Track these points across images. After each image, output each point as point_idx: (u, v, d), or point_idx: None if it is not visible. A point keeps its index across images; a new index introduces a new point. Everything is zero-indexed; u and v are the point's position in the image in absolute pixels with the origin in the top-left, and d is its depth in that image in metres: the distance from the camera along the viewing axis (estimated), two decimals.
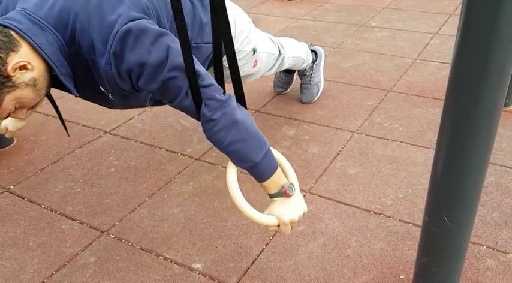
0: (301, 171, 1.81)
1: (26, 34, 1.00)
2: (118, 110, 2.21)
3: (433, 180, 1.05)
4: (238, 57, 1.55)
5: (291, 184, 1.21)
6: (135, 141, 2.06)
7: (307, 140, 2.01)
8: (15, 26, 1.01)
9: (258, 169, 1.16)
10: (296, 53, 2.04)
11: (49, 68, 1.06)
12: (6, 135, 1.49)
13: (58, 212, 1.65)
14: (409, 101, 2.27)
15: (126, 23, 1.03)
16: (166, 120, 2.23)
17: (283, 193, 1.19)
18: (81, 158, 1.95)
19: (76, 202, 1.69)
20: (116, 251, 1.48)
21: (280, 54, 1.90)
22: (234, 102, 1.14)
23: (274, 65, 1.90)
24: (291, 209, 1.19)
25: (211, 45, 1.38)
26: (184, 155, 1.97)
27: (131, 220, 1.61)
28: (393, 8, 3.65)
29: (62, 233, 1.55)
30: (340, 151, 1.92)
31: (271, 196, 1.22)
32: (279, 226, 1.20)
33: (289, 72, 2.34)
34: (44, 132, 2.15)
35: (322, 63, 2.31)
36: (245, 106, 1.20)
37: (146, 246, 1.49)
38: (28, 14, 1.03)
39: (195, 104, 1.11)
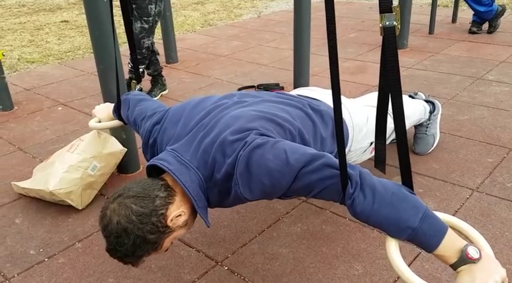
0: None
1: (174, 174, 1.19)
2: None
3: None
4: (357, 152, 1.66)
5: (472, 244, 1.02)
6: None
7: (421, 194, 1.95)
8: (167, 167, 1.20)
9: (420, 235, 1.01)
10: (412, 120, 2.05)
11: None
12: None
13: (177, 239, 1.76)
14: None
15: (247, 146, 1.17)
16: None
17: (465, 258, 0.99)
18: None
19: (193, 231, 1.80)
20: None
21: None
22: (364, 170, 1.13)
23: (391, 134, 1.90)
24: (484, 275, 0.96)
25: (333, 153, 1.48)
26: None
27: (243, 255, 1.66)
28: (511, 63, 3.47)
29: (180, 259, 1.65)
30: (458, 209, 1.83)
31: (454, 267, 1.02)
32: None
33: None
34: None
35: (439, 115, 2.26)
36: (412, 188, 1.10)
37: None
38: (177, 156, 1.24)
39: (342, 184, 1.08)
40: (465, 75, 3.27)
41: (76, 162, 1.97)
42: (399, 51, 3.84)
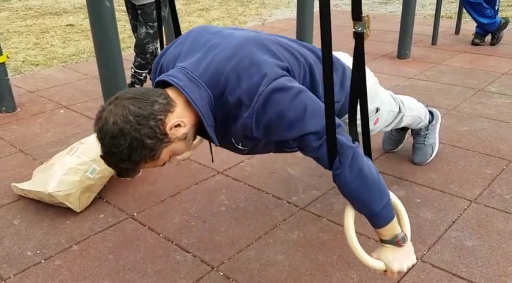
0: (412, 236, 1.72)
1: (184, 90, 1.17)
2: (232, 153, 2.35)
3: None
4: None
5: (405, 235, 1.27)
6: (244, 184, 2.16)
7: (419, 204, 1.95)
8: (177, 83, 1.17)
9: (375, 217, 1.24)
10: (415, 112, 2.03)
11: (197, 121, 1.21)
12: (174, 164, 1.66)
13: (174, 243, 1.77)
14: None
15: (270, 83, 1.16)
16: (273, 166, 2.31)
17: (396, 242, 1.25)
18: (196, 194, 2.09)
19: (190, 236, 1.80)
20: None
21: (400, 111, 1.91)
22: (361, 151, 1.22)
23: (392, 121, 1.91)
24: (400, 259, 1.25)
25: (339, 103, 1.46)
26: (289, 203, 2.01)
27: (239, 261, 1.66)
28: None
29: (176, 263, 1.66)
30: (456, 220, 1.83)
31: (383, 241, 1.28)
32: (385, 271, 1.26)
33: (401, 129, 2.31)
34: (166, 166, 2.33)
35: (439, 125, 2.26)
36: (370, 157, 1.27)
37: None
38: (187, 73, 1.20)
39: (328, 155, 1.19)
40: (467, 86, 3.28)
41: (75, 165, 1.98)
42: (402, 61, 3.88)
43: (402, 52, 3.99)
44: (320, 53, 1.46)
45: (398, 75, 3.54)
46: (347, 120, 1.58)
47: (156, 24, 3.13)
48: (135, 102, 1.10)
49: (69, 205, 1.94)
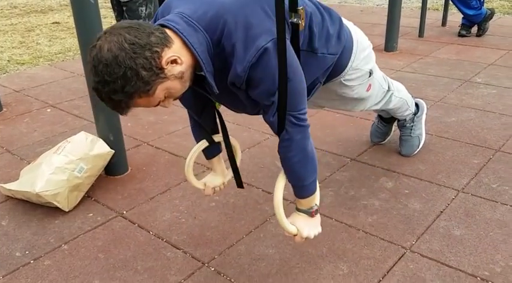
0: (401, 227, 1.76)
1: (182, 33, 1.13)
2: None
3: None
4: (356, 75, 1.64)
5: (318, 208, 1.42)
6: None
7: (407, 194, 1.96)
8: (174, 26, 1.14)
9: (303, 189, 1.36)
10: (402, 95, 2.05)
11: (194, 65, 1.18)
12: (205, 192, 1.65)
13: (164, 240, 1.76)
14: None
15: (270, 41, 1.14)
16: (262, 161, 2.31)
17: (310, 212, 1.40)
18: (186, 191, 2.09)
19: (181, 232, 1.80)
20: None
21: (389, 89, 1.93)
22: (309, 130, 1.30)
23: (382, 99, 1.92)
24: (310, 227, 1.41)
25: (335, 56, 1.48)
26: None
27: (230, 255, 1.66)
28: (500, 65, 3.51)
29: (167, 260, 1.65)
30: (444, 210, 1.85)
31: (299, 210, 1.41)
32: (295, 235, 1.39)
33: (387, 121, 2.32)
34: (155, 163, 2.34)
35: (424, 116, 2.27)
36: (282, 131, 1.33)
37: None
38: (184, 17, 1.16)
39: (278, 122, 1.25)
40: (453, 77, 3.31)
41: (63, 164, 1.96)
42: (389, 54, 3.89)
43: (389, 45, 4.00)
44: (332, 11, 1.49)
45: (386, 68, 3.55)
46: (338, 80, 1.61)
47: (141, 21, 3.11)
48: (131, 31, 1.07)
49: (58, 205, 1.93)
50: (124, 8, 3.14)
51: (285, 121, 1.25)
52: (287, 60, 1.17)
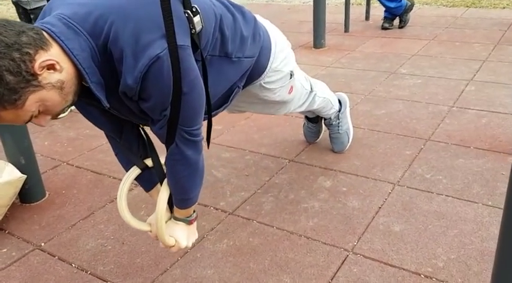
0: (342, 227, 1.71)
1: (58, 37, 0.96)
2: None
3: (502, 250, 0.94)
4: (277, 77, 1.55)
5: (197, 215, 1.38)
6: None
7: (346, 192, 1.92)
8: (49, 29, 0.97)
9: (186, 201, 1.30)
10: (326, 95, 2.01)
11: (79, 75, 1.01)
12: (153, 234, 1.39)
13: (89, 272, 1.58)
14: (450, 151, 2.17)
15: (164, 49, 1.00)
16: None
17: (188, 221, 1.35)
18: (112, 213, 1.90)
19: (107, 262, 1.62)
20: None
21: (312, 90, 1.88)
22: (202, 143, 1.23)
23: (306, 100, 1.87)
24: (189, 236, 1.37)
25: (252, 59, 1.38)
26: (217, 209, 1.89)
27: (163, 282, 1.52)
28: (423, 55, 3.62)
29: None
30: (382, 205, 1.82)
31: (176, 219, 1.34)
32: (171, 246, 1.34)
33: (315, 121, 2.28)
34: (75, 185, 2.13)
35: (348, 109, 2.25)
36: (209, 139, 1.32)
37: None
38: (63, 18, 1.00)
39: (167, 135, 1.15)
40: (380, 70, 3.36)
41: None
42: (318, 50, 3.90)
43: (317, 41, 4.01)
44: (245, 10, 1.37)
45: (316, 65, 3.55)
46: (258, 83, 1.51)
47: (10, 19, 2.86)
48: None
49: None
50: (31, 16, 2.87)
51: (175, 135, 1.15)
52: (183, 71, 1.03)
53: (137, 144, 1.36)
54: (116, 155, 1.40)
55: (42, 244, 1.74)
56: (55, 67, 0.95)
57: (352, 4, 5.32)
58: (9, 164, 1.91)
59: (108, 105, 1.05)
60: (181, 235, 1.34)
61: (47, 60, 0.93)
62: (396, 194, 1.88)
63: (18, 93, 0.90)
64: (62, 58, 0.97)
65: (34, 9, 2.82)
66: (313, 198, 1.91)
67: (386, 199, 1.86)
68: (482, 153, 2.14)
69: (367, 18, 4.90)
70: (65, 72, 0.97)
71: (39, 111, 0.97)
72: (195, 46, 1.11)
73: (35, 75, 0.92)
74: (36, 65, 0.91)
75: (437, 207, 1.78)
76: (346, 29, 4.50)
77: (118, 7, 1.01)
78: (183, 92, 1.06)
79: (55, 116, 1.03)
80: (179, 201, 1.29)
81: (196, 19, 1.09)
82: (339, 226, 1.72)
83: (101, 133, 1.42)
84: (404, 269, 1.49)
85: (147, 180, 1.38)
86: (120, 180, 2.16)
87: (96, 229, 1.80)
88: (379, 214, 1.77)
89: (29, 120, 0.97)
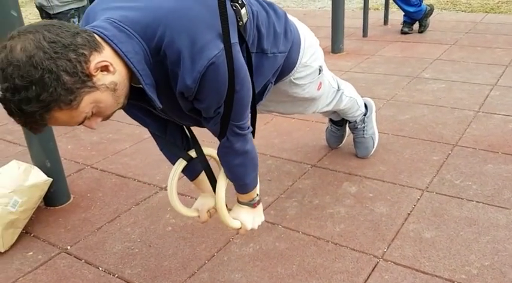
0: (370, 234, 1.68)
1: (111, 40, 0.96)
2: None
3: None
4: (306, 72, 1.56)
5: (260, 198, 1.42)
6: (191, 198, 2.00)
7: (372, 198, 1.89)
8: (101, 32, 0.96)
9: (244, 186, 1.35)
10: (353, 95, 1.99)
11: (130, 77, 1.01)
12: (201, 219, 1.50)
13: (116, 275, 1.57)
14: (479, 157, 2.13)
15: (220, 51, 1.01)
16: None
17: (252, 204, 1.40)
18: (138, 216, 1.90)
19: (134, 265, 1.62)
20: None
21: (339, 89, 1.87)
22: (250, 133, 1.26)
23: (333, 99, 1.86)
24: (254, 219, 1.42)
25: (285, 54, 1.38)
26: None
27: None
28: (445, 60, 3.57)
29: None
30: (411, 211, 1.78)
31: (241, 203, 1.40)
32: (239, 228, 1.41)
33: (340, 124, 2.26)
34: (100, 188, 2.13)
35: (374, 114, 2.22)
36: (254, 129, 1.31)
37: None
38: (114, 22, 0.99)
39: (220, 131, 1.20)
40: (402, 74, 3.32)
41: None
42: (336, 55, 3.88)
43: (336, 46, 3.99)
44: (276, 6, 1.38)
45: (335, 70, 3.52)
46: (288, 79, 1.52)
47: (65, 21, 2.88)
48: (52, 29, 0.88)
49: None
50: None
51: (227, 130, 1.19)
52: (236, 70, 1.06)
53: (181, 137, 1.41)
54: (161, 150, 1.44)
55: (68, 247, 1.74)
56: (109, 69, 0.95)
57: (370, 9, 5.29)
58: (35, 167, 1.92)
59: (160, 106, 1.05)
60: (247, 218, 1.40)
61: (101, 61, 0.93)
62: (425, 200, 1.84)
63: (74, 94, 0.90)
64: (115, 60, 0.97)
65: (57, 13, 2.85)
66: (339, 203, 1.88)
67: (415, 205, 1.82)
68: (510, 158, 2.09)
69: (385, 22, 4.86)
70: (118, 74, 0.97)
71: (92, 112, 0.96)
72: (241, 39, 1.12)
73: (90, 76, 0.92)
74: (92, 65, 0.91)
75: (468, 213, 1.74)
76: (365, 34, 4.47)
77: (169, 9, 1.01)
78: (236, 90, 1.08)
79: (106, 118, 1.03)
80: (238, 187, 1.36)
81: (243, 11, 1.10)
82: (367, 232, 1.69)
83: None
84: (437, 276, 1.45)
85: (191, 170, 1.44)
86: (145, 183, 2.18)
87: (122, 232, 1.80)
88: (409, 220, 1.73)
89: (82, 122, 0.97)
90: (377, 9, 5.71)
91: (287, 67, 1.46)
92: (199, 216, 1.47)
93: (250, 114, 1.24)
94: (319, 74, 1.62)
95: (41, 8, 2.93)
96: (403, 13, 4.38)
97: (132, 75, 1.01)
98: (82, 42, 0.90)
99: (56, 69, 0.86)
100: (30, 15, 6.67)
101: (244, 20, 1.11)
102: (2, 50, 0.87)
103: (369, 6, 4.61)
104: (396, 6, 4.48)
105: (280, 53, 1.35)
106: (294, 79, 1.53)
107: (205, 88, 1.04)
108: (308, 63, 1.54)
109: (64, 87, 0.88)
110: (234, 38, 1.06)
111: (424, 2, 4.33)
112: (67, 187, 2.05)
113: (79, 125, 0.98)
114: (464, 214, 1.74)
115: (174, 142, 1.38)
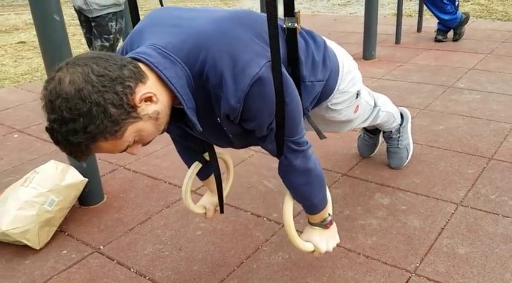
0: (403, 248, 1.65)
1: (156, 67, 0.99)
2: None
3: None
4: (343, 98, 1.54)
5: (332, 218, 1.37)
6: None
7: (405, 211, 1.86)
8: (147, 59, 0.99)
9: (312, 207, 1.32)
10: (389, 109, 1.96)
11: (172, 101, 1.04)
12: (207, 215, 1.59)
13: (147, 277, 1.60)
14: None
15: (263, 65, 1.02)
16: (249, 181, 2.18)
17: (324, 225, 1.36)
18: (168, 218, 1.93)
19: (165, 268, 1.64)
20: None
21: (375, 106, 1.84)
22: (311, 149, 1.24)
23: (369, 116, 1.83)
24: (327, 240, 1.37)
25: (323, 82, 1.38)
26: (270, 220, 1.88)
27: None
28: (480, 70, 3.49)
29: None
30: (445, 226, 1.75)
31: (312, 224, 1.36)
32: (313, 251, 1.37)
33: (373, 133, 2.23)
34: (132, 189, 2.17)
35: (409, 124, 2.18)
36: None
37: None
38: (159, 48, 1.02)
39: (277, 149, 1.19)
40: (436, 84, 3.26)
41: (31, 197, 1.78)
42: (368, 62, 3.84)
43: (368, 53, 3.95)
44: (315, 33, 1.39)
45: (366, 77, 3.48)
46: (325, 105, 1.51)
47: (111, 36, 2.95)
48: (100, 62, 0.91)
49: (27, 243, 1.74)
50: (93, 24, 2.98)
51: (283, 147, 1.18)
52: (284, 83, 1.06)
53: (199, 142, 1.44)
54: (178, 152, 1.51)
55: (101, 247, 1.78)
56: (152, 99, 0.97)
57: (403, 15, 5.21)
58: (72, 167, 1.97)
59: (201, 129, 1.07)
60: (319, 240, 1.36)
61: (146, 92, 0.95)
62: (460, 215, 1.80)
63: (119, 125, 0.93)
64: (158, 88, 1.00)
65: (96, 17, 2.93)
66: (371, 215, 1.86)
67: (449, 220, 1.78)
68: None
69: (419, 29, 4.79)
70: (160, 104, 1.00)
71: (134, 140, 0.99)
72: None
73: (134, 107, 0.94)
74: (137, 97, 0.94)
75: (503, 230, 1.69)
76: (398, 41, 4.41)
77: (210, 34, 1.04)
78: (286, 103, 1.09)
79: (146, 144, 1.06)
80: (306, 207, 1.33)
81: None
82: (399, 246, 1.66)
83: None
84: None
85: (204, 171, 1.50)
86: (175, 185, 2.21)
87: (153, 234, 1.83)
88: (442, 235, 1.70)
89: (125, 150, 1.00)
90: (410, 15, 5.62)
91: (324, 94, 1.44)
92: (205, 213, 1.54)
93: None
94: (357, 97, 1.60)
95: (79, 11, 3.02)
96: (438, 21, 4.30)
97: (173, 99, 1.04)
98: (128, 74, 0.93)
99: (103, 102, 0.89)
100: (65, 17, 6.86)
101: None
102: (50, 81, 0.91)
103: (402, 13, 4.55)
104: (430, 13, 4.41)
105: (318, 81, 1.34)
106: (331, 105, 1.51)
107: (253, 106, 1.05)
108: (346, 89, 1.52)
109: (110, 119, 0.91)
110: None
111: (459, 9, 4.24)
112: (101, 188, 2.10)
113: (121, 152, 1.00)
114: (499, 230, 1.69)
115: (193, 146, 1.43)
